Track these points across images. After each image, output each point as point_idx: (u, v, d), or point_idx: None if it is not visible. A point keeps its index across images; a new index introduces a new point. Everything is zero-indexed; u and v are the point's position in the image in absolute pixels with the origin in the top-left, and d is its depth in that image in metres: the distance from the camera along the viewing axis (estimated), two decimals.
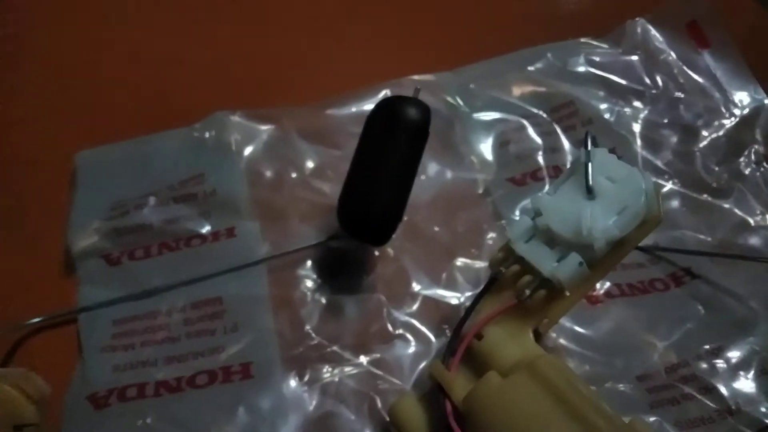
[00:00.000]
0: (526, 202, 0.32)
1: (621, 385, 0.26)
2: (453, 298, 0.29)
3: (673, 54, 0.38)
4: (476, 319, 0.24)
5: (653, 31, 0.38)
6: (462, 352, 0.23)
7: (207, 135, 0.33)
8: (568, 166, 0.33)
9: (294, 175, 0.33)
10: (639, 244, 0.30)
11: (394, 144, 0.27)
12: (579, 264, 0.22)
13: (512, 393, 0.21)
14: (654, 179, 0.33)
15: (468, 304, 0.27)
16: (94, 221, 0.30)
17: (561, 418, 0.20)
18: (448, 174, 0.34)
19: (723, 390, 0.26)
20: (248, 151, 0.33)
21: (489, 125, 0.35)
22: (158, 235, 0.30)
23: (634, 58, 0.38)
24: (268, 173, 0.33)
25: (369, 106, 0.35)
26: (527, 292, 0.23)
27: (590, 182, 0.23)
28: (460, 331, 0.24)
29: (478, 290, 0.25)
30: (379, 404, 0.26)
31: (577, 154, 0.33)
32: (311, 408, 0.25)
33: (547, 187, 0.32)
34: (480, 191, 0.33)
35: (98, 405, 0.24)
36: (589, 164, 0.23)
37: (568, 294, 0.23)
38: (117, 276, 0.29)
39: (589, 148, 0.24)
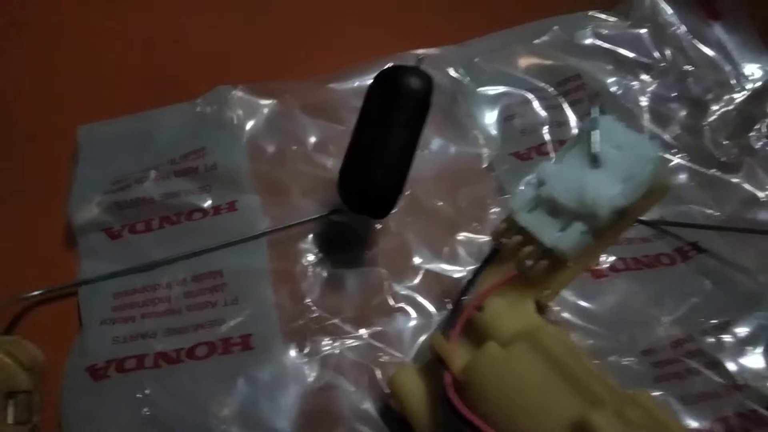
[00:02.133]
0: (530, 177, 0.31)
1: (625, 360, 0.26)
2: (455, 271, 0.29)
3: (682, 26, 0.37)
4: (477, 290, 0.24)
5: (662, 4, 0.37)
6: (462, 324, 0.23)
7: (208, 109, 0.33)
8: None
9: (296, 149, 0.32)
10: (645, 215, 0.30)
11: (396, 114, 0.26)
12: (582, 233, 0.22)
13: (512, 363, 0.21)
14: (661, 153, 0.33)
15: (470, 277, 0.27)
16: (96, 195, 0.30)
17: (561, 387, 0.19)
18: (452, 148, 0.33)
19: (730, 365, 0.26)
20: (250, 125, 0.33)
21: (494, 99, 0.35)
22: (159, 209, 0.30)
23: (643, 31, 0.37)
24: (270, 148, 0.32)
25: (372, 80, 0.35)
26: (529, 262, 0.23)
27: (595, 150, 0.23)
28: (461, 303, 0.24)
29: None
30: (379, 376, 0.25)
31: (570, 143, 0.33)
32: (311, 379, 0.25)
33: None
34: (484, 166, 0.33)
35: (97, 376, 0.24)
36: (595, 132, 0.23)
37: (570, 264, 0.23)
38: (118, 249, 0.29)
39: (596, 115, 0.23)
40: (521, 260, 0.23)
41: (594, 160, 0.23)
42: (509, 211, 0.24)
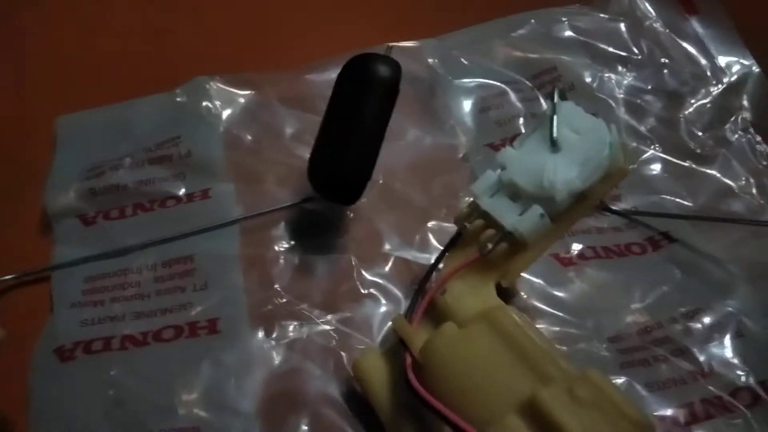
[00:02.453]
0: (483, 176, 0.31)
1: (592, 347, 0.26)
2: (425, 259, 0.29)
3: (660, 20, 0.37)
4: (440, 273, 0.24)
5: None
6: (424, 307, 0.23)
7: (186, 100, 0.34)
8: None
9: (272, 139, 0.33)
10: (617, 205, 0.30)
11: (364, 101, 0.26)
12: (540, 216, 0.22)
13: (467, 342, 0.21)
14: (635, 144, 0.33)
15: (434, 261, 0.27)
16: (72, 183, 0.30)
17: (514, 365, 0.19)
18: (428, 139, 0.34)
19: (697, 352, 0.26)
20: (227, 115, 0.33)
21: (470, 91, 0.35)
22: (133, 196, 0.30)
23: (620, 24, 0.37)
24: (247, 137, 0.33)
25: None
26: (489, 245, 0.23)
27: (554, 134, 0.23)
28: (424, 286, 0.24)
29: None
30: (345, 361, 0.26)
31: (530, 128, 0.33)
32: (277, 363, 0.25)
33: None
34: (460, 156, 0.33)
35: (64, 357, 0.24)
36: (554, 116, 0.23)
37: (529, 247, 0.23)
38: (92, 235, 0.29)
39: (557, 100, 0.23)
40: (482, 243, 0.23)
41: (553, 144, 0.23)
42: (472, 196, 0.24)
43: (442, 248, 0.29)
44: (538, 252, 0.23)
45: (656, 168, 0.32)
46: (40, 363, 0.25)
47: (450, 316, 0.23)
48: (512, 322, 0.20)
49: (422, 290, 0.24)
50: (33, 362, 0.25)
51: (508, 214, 0.23)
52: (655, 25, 0.37)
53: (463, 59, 0.36)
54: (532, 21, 0.37)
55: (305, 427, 0.24)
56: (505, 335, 0.20)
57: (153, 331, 0.25)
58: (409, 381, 0.21)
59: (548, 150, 0.23)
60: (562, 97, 0.24)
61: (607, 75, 0.35)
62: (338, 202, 0.28)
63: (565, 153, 0.23)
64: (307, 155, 0.32)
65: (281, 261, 0.28)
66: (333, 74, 0.35)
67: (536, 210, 0.22)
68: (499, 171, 0.24)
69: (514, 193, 0.23)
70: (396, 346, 0.24)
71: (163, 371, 0.24)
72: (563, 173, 0.22)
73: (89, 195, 0.30)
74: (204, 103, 0.33)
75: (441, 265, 0.26)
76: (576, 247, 0.29)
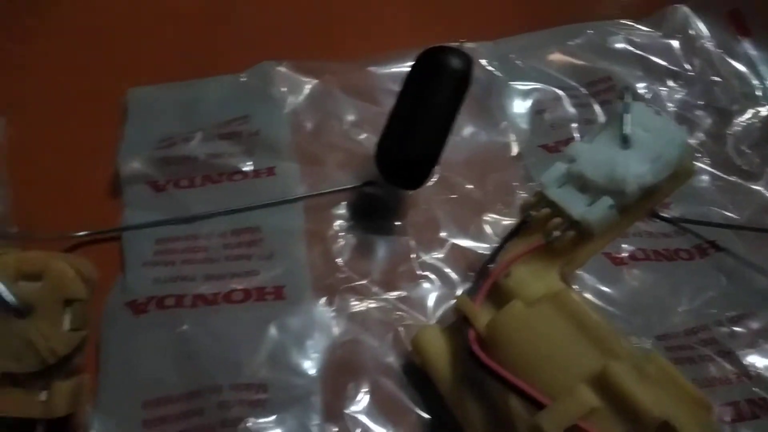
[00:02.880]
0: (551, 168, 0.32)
1: (641, 342, 0.27)
2: (480, 248, 0.30)
3: (713, 40, 0.38)
4: (504, 258, 0.25)
5: (694, 17, 0.39)
6: (488, 287, 0.24)
7: (253, 83, 0.35)
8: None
9: (333, 125, 0.34)
10: (666, 212, 0.31)
11: (436, 90, 0.28)
12: (609, 207, 0.23)
13: (536, 319, 0.22)
14: None
15: (490, 253, 0.28)
16: (143, 150, 0.31)
17: (582, 342, 0.20)
18: (483, 137, 0.35)
19: (741, 356, 0.27)
20: (291, 100, 0.35)
21: (525, 93, 0.36)
22: (202, 168, 0.31)
23: (674, 41, 0.38)
24: (309, 122, 0.34)
25: (409, 66, 0.37)
26: (556, 233, 0.24)
27: (626, 131, 0.24)
28: (487, 268, 0.25)
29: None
30: (403, 335, 0.26)
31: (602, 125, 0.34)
32: (337, 332, 0.26)
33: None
34: (512, 155, 0.34)
35: (137, 311, 0.25)
36: (627, 114, 0.24)
37: (595, 238, 0.24)
38: (161, 202, 0.30)
39: (629, 100, 0.25)
40: (549, 231, 0.24)
41: (624, 141, 0.24)
42: (539, 186, 0.25)
43: (496, 239, 0.30)
44: (602, 244, 0.24)
45: (704, 180, 0.33)
46: (113, 314, 0.26)
47: (512, 298, 0.24)
48: (580, 303, 0.21)
49: (485, 272, 0.25)
50: (105, 313, 0.26)
51: (576, 204, 0.24)
52: (707, 44, 0.38)
53: (519, 63, 0.37)
54: (589, 31, 0.38)
55: (365, 395, 0.25)
56: (573, 314, 0.21)
57: (223, 292, 0.26)
58: (475, 354, 0.22)
59: (619, 146, 0.24)
60: (633, 97, 0.25)
61: (659, 88, 0.36)
62: (403, 186, 0.29)
63: (635, 150, 0.24)
64: (366, 142, 0.34)
65: (341, 238, 0.30)
66: (393, 67, 0.37)
67: (606, 201, 0.23)
68: (567, 163, 0.25)
69: (582, 185, 0.24)
70: (455, 324, 0.25)
71: (232, 330, 0.25)
72: (634, 168, 0.23)
73: (160, 163, 0.31)
74: (270, 87, 0.35)
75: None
76: (627, 248, 0.30)
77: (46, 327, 0.21)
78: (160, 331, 0.25)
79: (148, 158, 0.31)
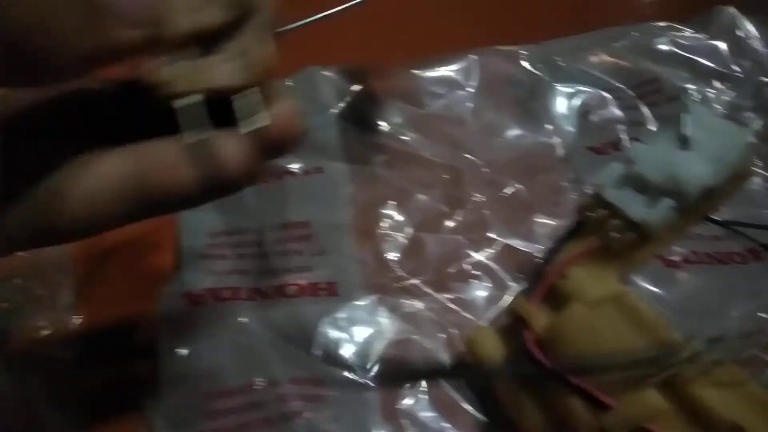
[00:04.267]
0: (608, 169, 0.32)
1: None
2: (530, 248, 0.30)
3: (762, 41, 0.38)
4: (560, 259, 0.25)
5: (741, 18, 0.38)
6: (544, 289, 0.24)
7: (300, 87, 0.35)
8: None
9: (379, 127, 0.34)
10: (717, 215, 0.30)
11: None
12: (670, 209, 0.23)
13: (598, 321, 0.22)
14: None
15: (546, 254, 0.28)
16: None
17: (648, 344, 0.20)
18: (528, 138, 0.35)
19: None
20: (338, 103, 0.35)
21: (571, 95, 0.36)
22: None
23: (720, 43, 0.38)
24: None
25: (453, 69, 0.37)
26: (615, 235, 0.24)
27: (686, 132, 0.24)
28: (542, 269, 0.25)
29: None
30: (455, 335, 0.27)
31: (661, 126, 0.34)
32: (390, 331, 0.26)
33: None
34: (558, 156, 0.34)
35: (194, 302, 0.26)
36: (687, 115, 0.24)
37: (654, 240, 0.24)
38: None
39: (688, 101, 0.24)
40: (607, 232, 0.24)
41: (684, 142, 0.24)
42: (595, 187, 0.25)
43: (547, 240, 0.30)
44: (661, 246, 0.24)
45: (756, 182, 0.33)
46: (171, 305, 0.26)
47: (571, 300, 0.23)
48: (645, 305, 0.21)
49: (540, 274, 0.25)
50: (162, 304, 0.26)
51: (635, 206, 0.24)
52: (756, 45, 0.37)
53: (564, 65, 0.37)
54: (634, 33, 0.38)
55: (419, 394, 0.25)
56: (636, 317, 0.21)
57: (277, 286, 0.27)
58: (535, 356, 0.22)
59: (678, 147, 0.24)
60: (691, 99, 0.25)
61: (707, 90, 0.36)
62: None
63: (695, 151, 0.24)
64: (412, 143, 0.34)
65: (391, 237, 0.30)
66: (437, 71, 0.37)
67: (667, 203, 0.23)
68: (625, 164, 0.25)
69: (641, 186, 0.24)
70: (506, 327, 0.25)
71: (288, 324, 0.26)
72: (696, 169, 0.23)
73: None
74: (317, 91, 0.35)
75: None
76: (679, 251, 0.30)
77: None
78: (218, 323, 0.25)
79: None
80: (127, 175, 0.16)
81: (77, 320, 0.27)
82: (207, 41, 0.15)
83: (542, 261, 0.26)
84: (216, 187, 0.16)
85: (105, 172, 0.16)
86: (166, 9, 0.14)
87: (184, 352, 0.25)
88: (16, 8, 0.12)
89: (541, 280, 0.25)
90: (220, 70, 0.15)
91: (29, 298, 0.27)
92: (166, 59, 0.15)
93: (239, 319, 0.25)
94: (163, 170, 0.16)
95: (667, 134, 0.25)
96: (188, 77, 0.15)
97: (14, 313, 0.27)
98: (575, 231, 0.25)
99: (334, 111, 0.34)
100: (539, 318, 0.23)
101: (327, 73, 0.36)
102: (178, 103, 0.15)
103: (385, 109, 0.35)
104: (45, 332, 0.27)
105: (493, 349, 0.25)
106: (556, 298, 0.24)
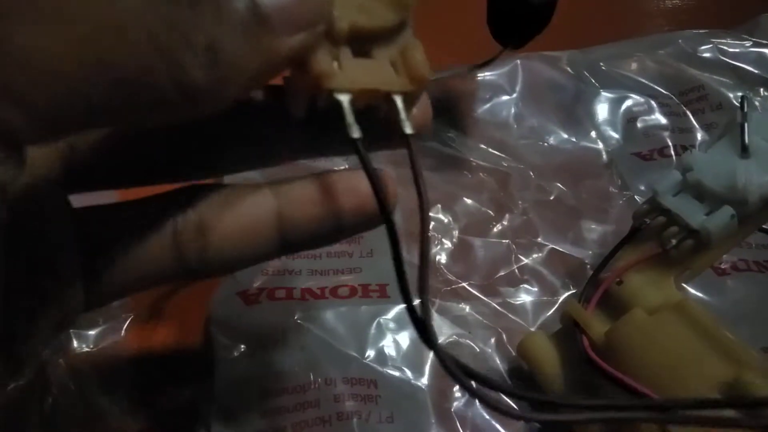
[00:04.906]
0: (657, 176, 0.32)
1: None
2: (580, 252, 0.30)
3: None
4: (616, 265, 0.25)
5: None
6: (600, 294, 0.24)
7: None
8: (697, 143, 0.33)
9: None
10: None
11: None
12: (731, 217, 0.23)
13: (659, 328, 0.22)
14: None
15: (595, 260, 0.28)
16: None
17: (710, 352, 0.20)
18: (572, 144, 0.35)
19: None
20: None
21: (616, 101, 0.36)
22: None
23: (766, 50, 0.38)
24: None
25: (497, 73, 0.37)
26: (673, 241, 0.24)
27: (746, 140, 0.24)
28: (598, 275, 0.25)
29: (615, 244, 0.26)
30: (506, 340, 0.27)
31: (705, 137, 0.34)
32: (440, 334, 0.26)
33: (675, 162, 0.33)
34: (604, 163, 0.34)
35: (249, 301, 0.26)
36: (746, 123, 0.24)
37: (713, 247, 0.24)
38: None
39: (747, 109, 0.24)
40: (666, 239, 0.24)
41: (744, 150, 0.24)
42: (634, 207, 0.25)
43: (596, 246, 0.30)
44: (719, 254, 0.24)
45: None
46: (225, 304, 0.26)
47: (628, 306, 0.23)
48: (706, 313, 0.21)
49: (596, 279, 0.25)
50: (216, 302, 0.27)
51: (694, 214, 0.23)
52: None
53: (608, 71, 0.37)
54: (679, 41, 0.38)
55: (472, 398, 0.25)
56: (698, 324, 0.21)
57: (329, 287, 0.27)
58: (596, 362, 0.22)
59: (737, 155, 0.24)
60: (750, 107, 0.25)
61: (754, 97, 0.36)
62: (522, 37, 0.28)
63: (755, 159, 0.24)
64: (459, 146, 0.34)
65: (439, 241, 0.30)
66: (484, 76, 0.37)
67: (727, 210, 0.23)
68: (682, 172, 0.25)
69: (699, 193, 0.24)
70: (559, 332, 0.25)
71: (341, 325, 0.26)
72: (757, 177, 0.23)
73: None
74: None
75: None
76: (728, 259, 0.30)
77: None
78: (273, 322, 0.26)
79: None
80: (269, 213, 0.16)
81: (128, 318, 0.27)
82: (362, 42, 0.15)
83: (596, 267, 0.26)
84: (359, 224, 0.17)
85: (248, 210, 0.16)
86: (332, 6, 0.14)
87: (239, 350, 0.25)
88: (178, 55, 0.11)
89: (597, 285, 0.25)
90: (387, 72, 0.15)
91: None
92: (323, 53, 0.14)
93: (293, 318, 0.26)
94: (302, 208, 0.16)
95: (726, 142, 0.25)
96: (352, 75, 0.14)
97: None
98: (631, 237, 0.25)
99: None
100: (596, 324, 0.23)
101: None
102: (344, 97, 0.14)
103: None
104: (98, 329, 0.27)
105: (547, 354, 0.25)
106: (612, 305, 0.24)
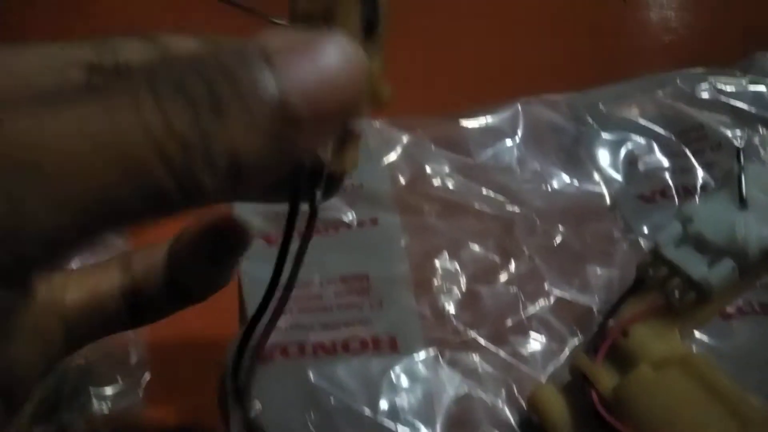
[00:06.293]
0: (660, 218, 0.33)
1: (756, 398, 0.27)
2: (586, 300, 0.30)
3: None
4: (621, 317, 0.25)
5: None
6: (607, 347, 0.25)
7: None
8: (699, 185, 0.34)
9: (428, 177, 0.35)
10: None
11: None
12: (732, 269, 0.23)
13: (666, 384, 0.22)
14: None
15: (602, 306, 0.28)
16: (259, 207, 0.33)
17: (716, 409, 0.21)
18: (574, 187, 0.35)
19: None
20: (387, 153, 0.36)
21: (617, 143, 0.37)
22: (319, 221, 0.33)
23: (763, 88, 0.38)
24: (405, 174, 0.35)
25: (498, 118, 0.38)
26: (676, 293, 0.24)
27: (745, 192, 0.24)
28: (605, 327, 0.26)
29: (619, 294, 0.26)
30: (516, 391, 0.27)
31: (705, 177, 0.34)
32: (451, 387, 0.27)
33: (677, 203, 0.33)
34: (607, 205, 0.34)
35: (263, 358, 0.27)
36: (743, 175, 0.25)
37: (715, 299, 0.24)
38: (274, 252, 0.32)
39: (743, 160, 0.25)
40: (669, 291, 0.24)
41: (742, 202, 0.24)
42: (640, 251, 0.26)
43: (602, 292, 0.31)
44: (721, 304, 0.25)
45: None
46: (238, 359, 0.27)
47: (635, 359, 0.24)
48: (711, 368, 0.22)
49: (602, 330, 0.25)
50: (230, 358, 0.27)
51: (696, 266, 0.24)
52: None
53: (608, 113, 0.38)
54: (677, 80, 0.39)
55: None
56: (704, 379, 0.21)
57: (340, 341, 0.28)
58: (604, 416, 0.22)
59: (736, 207, 0.25)
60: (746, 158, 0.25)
61: (752, 136, 0.36)
62: None
63: (754, 211, 0.24)
64: (460, 191, 0.35)
65: (447, 289, 0.31)
66: (484, 120, 0.38)
67: (728, 263, 0.23)
68: (682, 222, 0.25)
69: (700, 245, 0.25)
70: (568, 384, 0.26)
71: (354, 381, 0.26)
72: (756, 230, 0.24)
73: (275, 218, 0.33)
74: (367, 142, 0.36)
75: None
76: (735, 301, 0.30)
77: None
78: (287, 381, 0.26)
79: (263, 213, 0.32)
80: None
81: (148, 377, 0.28)
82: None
83: (602, 317, 0.26)
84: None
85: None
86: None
87: (253, 408, 0.26)
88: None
89: (603, 337, 0.25)
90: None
91: (104, 354, 0.28)
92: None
93: (304, 374, 0.26)
94: None
95: (724, 193, 0.25)
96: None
97: (88, 369, 0.28)
98: (635, 288, 0.26)
99: (385, 161, 0.36)
100: (604, 378, 0.24)
101: (376, 124, 0.37)
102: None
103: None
104: (116, 388, 0.28)
105: (557, 407, 0.25)
106: (619, 357, 0.25)
